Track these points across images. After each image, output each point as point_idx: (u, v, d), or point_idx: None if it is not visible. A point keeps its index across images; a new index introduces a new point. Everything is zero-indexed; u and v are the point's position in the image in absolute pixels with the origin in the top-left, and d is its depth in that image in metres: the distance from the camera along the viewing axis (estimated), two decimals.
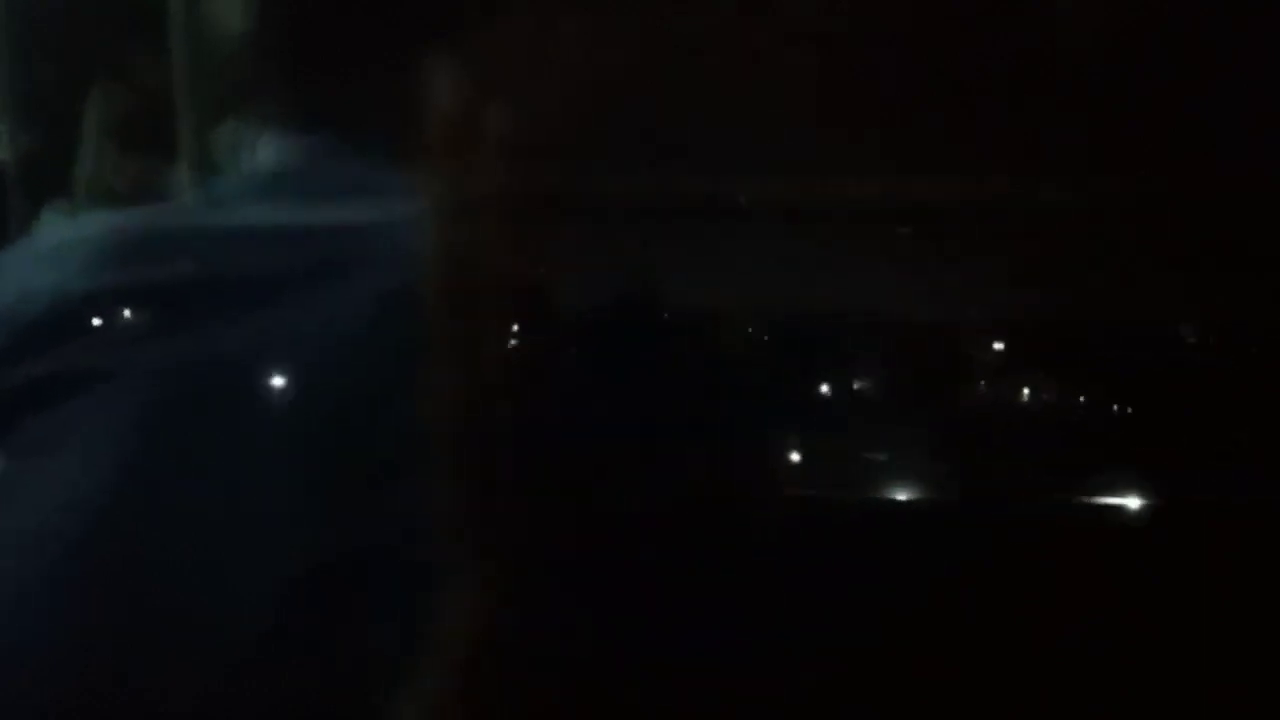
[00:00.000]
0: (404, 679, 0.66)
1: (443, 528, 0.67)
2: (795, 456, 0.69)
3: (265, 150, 0.83)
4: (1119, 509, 0.68)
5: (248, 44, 0.87)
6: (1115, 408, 0.69)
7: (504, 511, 0.68)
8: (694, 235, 0.68)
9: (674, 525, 0.68)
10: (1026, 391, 0.70)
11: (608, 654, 0.66)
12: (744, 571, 0.67)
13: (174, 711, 0.69)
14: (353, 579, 0.69)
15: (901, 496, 0.68)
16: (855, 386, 0.69)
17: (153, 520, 0.71)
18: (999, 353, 0.69)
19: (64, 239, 0.82)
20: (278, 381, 0.72)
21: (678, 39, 0.66)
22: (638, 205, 0.68)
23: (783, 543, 0.67)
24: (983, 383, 0.70)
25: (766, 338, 0.70)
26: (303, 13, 0.81)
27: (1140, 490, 0.68)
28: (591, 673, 0.66)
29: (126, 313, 0.74)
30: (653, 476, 0.68)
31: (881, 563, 0.67)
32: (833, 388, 0.69)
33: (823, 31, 0.65)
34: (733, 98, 0.66)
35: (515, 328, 0.69)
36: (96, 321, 0.74)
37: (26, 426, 0.74)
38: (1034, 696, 0.68)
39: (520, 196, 0.69)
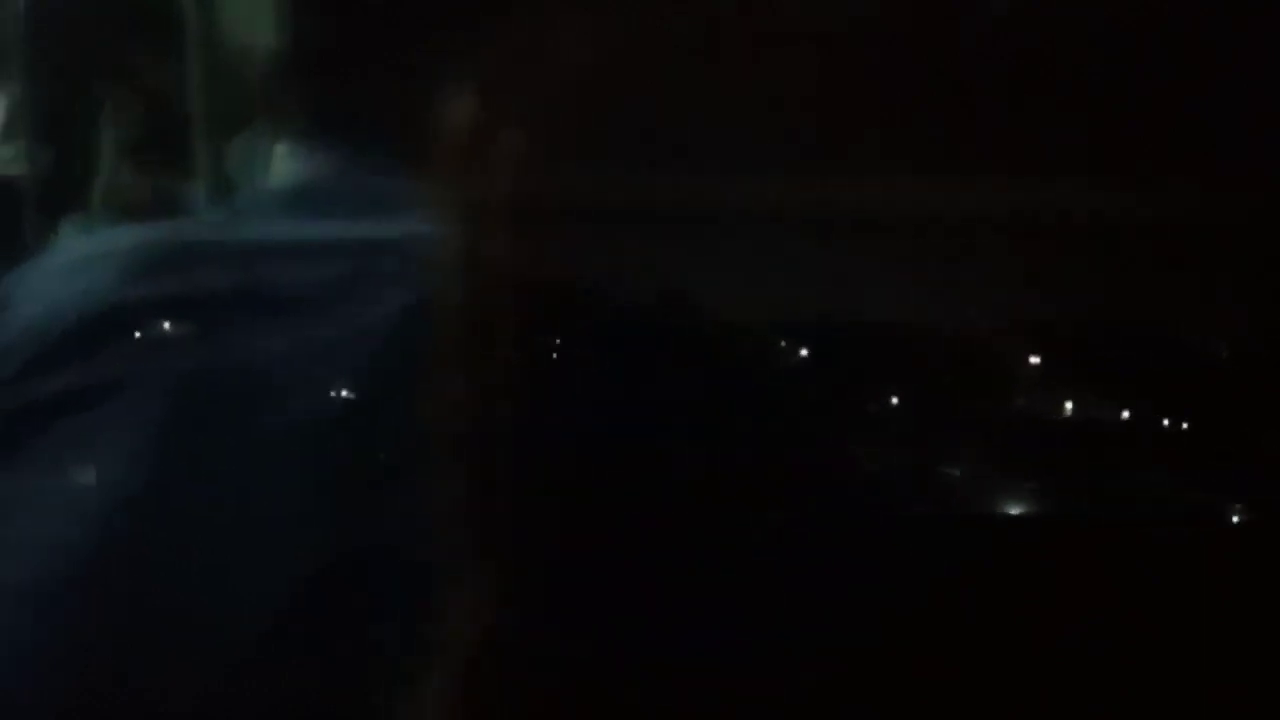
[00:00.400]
0: (405, 679, 0.67)
1: (445, 529, 0.68)
2: (799, 459, 0.70)
3: (287, 164, 0.84)
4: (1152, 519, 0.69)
5: (267, 59, 0.88)
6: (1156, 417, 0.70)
7: (506, 513, 0.69)
8: (708, 239, 0.69)
9: (676, 527, 0.69)
10: (1052, 399, 0.70)
11: (607, 654, 0.67)
12: (745, 573, 0.68)
13: (174, 712, 0.70)
14: (354, 579, 0.70)
15: (910, 501, 0.68)
16: (863, 392, 0.70)
17: (169, 527, 0.72)
18: (1027, 361, 0.70)
19: (90, 251, 0.83)
20: (301, 393, 0.73)
21: (687, 40, 0.67)
22: (652, 210, 0.69)
23: (785, 544, 0.68)
24: (1009, 392, 0.70)
25: (773, 341, 0.71)
26: (323, 27, 0.81)
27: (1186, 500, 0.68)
28: (591, 673, 0.67)
29: (152, 326, 0.75)
30: (656, 479, 0.69)
31: (884, 565, 0.67)
32: (838, 392, 0.70)
33: (825, 31, 0.66)
34: (742, 99, 0.67)
35: (527, 333, 0.70)
36: (122, 334, 0.75)
37: (52, 438, 0.75)
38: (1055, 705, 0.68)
39: (537, 205, 0.70)
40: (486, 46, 0.69)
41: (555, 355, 0.71)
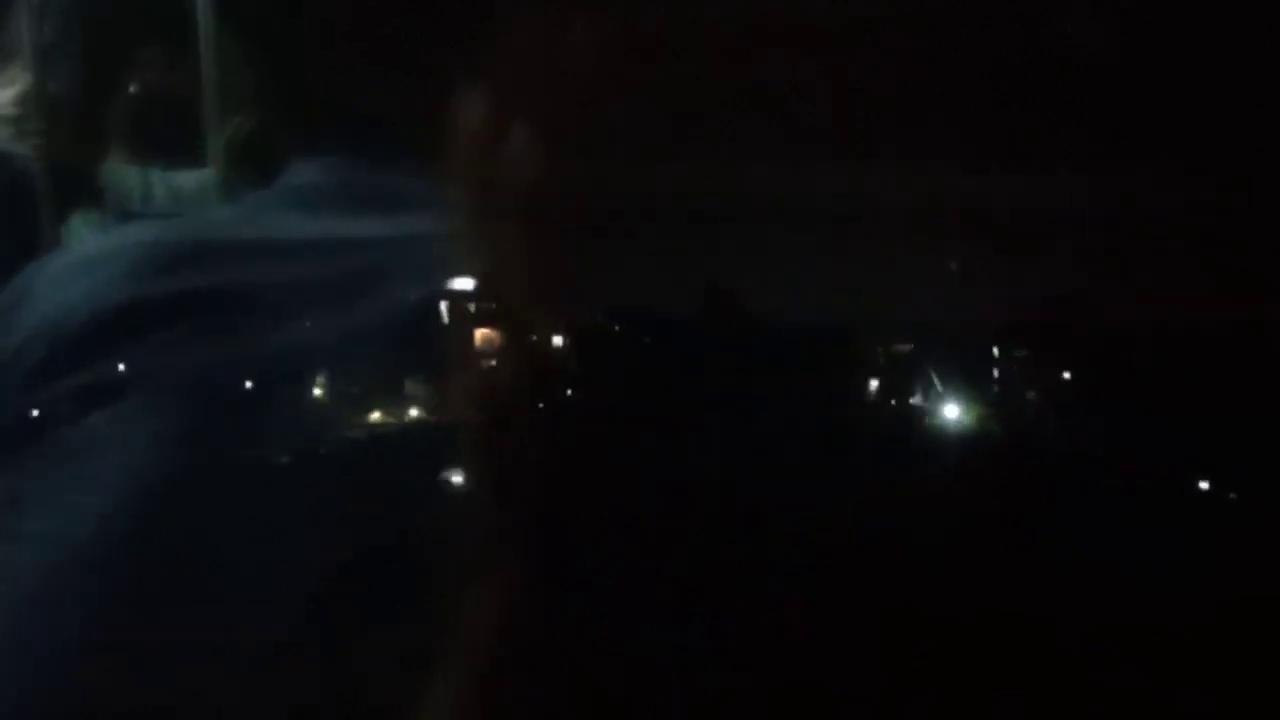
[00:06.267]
0: (415, 679, 0.68)
1: (459, 527, 0.69)
2: (801, 461, 0.70)
3: (295, 163, 0.85)
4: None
5: (277, 58, 0.89)
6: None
7: (521, 510, 0.70)
8: (721, 240, 0.70)
9: (682, 529, 0.69)
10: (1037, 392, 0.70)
11: (610, 654, 0.68)
12: (747, 573, 0.68)
13: (184, 707, 0.71)
14: (364, 581, 0.71)
15: (905, 500, 0.69)
16: (871, 389, 0.70)
17: (181, 523, 0.73)
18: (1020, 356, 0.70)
19: (101, 249, 0.83)
20: (306, 388, 0.73)
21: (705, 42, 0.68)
22: (664, 210, 0.69)
23: (786, 545, 0.68)
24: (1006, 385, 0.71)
25: (788, 341, 0.71)
26: (333, 28, 0.82)
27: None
28: (594, 673, 0.68)
29: (164, 322, 0.76)
30: (665, 482, 0.70)
31: (883, 563, 0.68)
32: (846, 393, 0.70)
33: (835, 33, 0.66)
34: (755, 99, 0.68)
35: (538, 335, 0.70)
36: (134, 331, 0.76)
37: (66, 434, 0.76)
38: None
39: (546, 204, 0.70)
40: (499, 50, 0.69)
41: (569, 352, 0.71)
